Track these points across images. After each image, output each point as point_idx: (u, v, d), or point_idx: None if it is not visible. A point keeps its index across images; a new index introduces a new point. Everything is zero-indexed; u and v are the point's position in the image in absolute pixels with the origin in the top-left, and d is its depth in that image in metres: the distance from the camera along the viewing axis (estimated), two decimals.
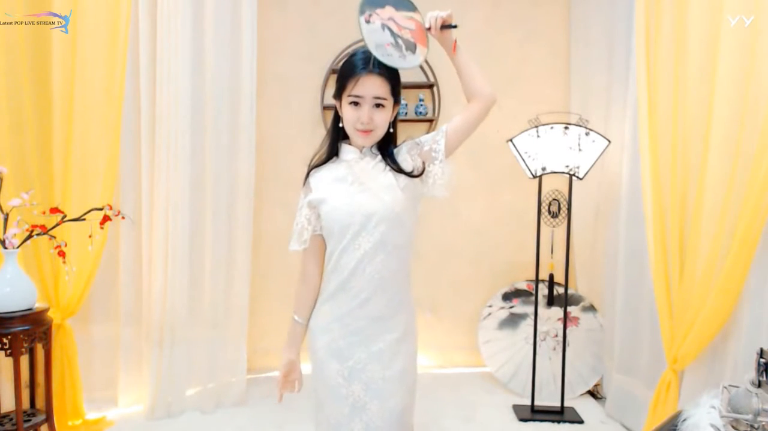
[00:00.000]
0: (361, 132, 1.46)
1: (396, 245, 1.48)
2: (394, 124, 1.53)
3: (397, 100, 1.51)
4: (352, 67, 1.45)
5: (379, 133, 1.48)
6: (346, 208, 1.47)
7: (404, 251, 1.51)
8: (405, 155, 1.54)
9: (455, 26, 1.46)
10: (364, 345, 1.49)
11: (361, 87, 1.43)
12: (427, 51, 1.47)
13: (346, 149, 1.55)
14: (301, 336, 1.62)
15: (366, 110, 1.44)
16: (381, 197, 1.47)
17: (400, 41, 1.44)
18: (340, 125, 1.51)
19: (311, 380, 1.58)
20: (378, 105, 1.45)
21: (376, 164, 1.52)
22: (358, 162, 1.52)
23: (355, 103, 1.45)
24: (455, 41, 1.50)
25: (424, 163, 1.53)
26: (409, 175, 1.50)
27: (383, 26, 1.43)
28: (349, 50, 3.47)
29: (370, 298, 1.49)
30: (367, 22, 1.40)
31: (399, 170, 1.50)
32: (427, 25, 1.47)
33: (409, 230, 1.51)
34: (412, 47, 1.46)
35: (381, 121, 1.46)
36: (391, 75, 1.45)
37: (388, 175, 1.50)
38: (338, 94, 1.49)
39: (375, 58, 1.41)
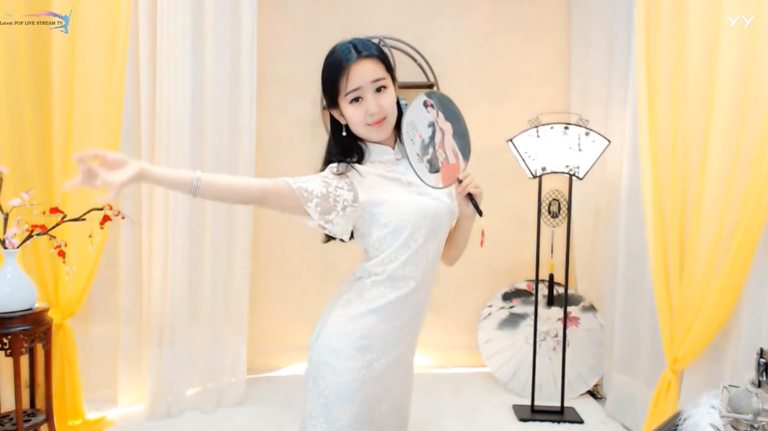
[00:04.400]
0: (375, 125, 1.33)
1: (442, 252, 1.44)
2: (398, 105, 1.40)
3: (394, 78, 1.38)
4: (336, 64, 1.32)
5: (391, 118, 1.36)
6: (414, 209, 1.32)
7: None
8: None
9: (480, 213, 1.37)
10: (399, 360, 1.40)
11: (355, 78, 1.29)
12: (439, 189, 1.33)
13: (377, 150, 1.40)
14: (176, 183, 1.21)
15: (371, 100, 1.31)
16: (443, 199, 1.38)
17: (431, 150, 1.31)
18: (344, 133, 1.38)
19: (320, 390, 1.35)
20: (379, 89, 1.32)
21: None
22: (396, 163, 1.40)
23: (356, 99, 1.31)
24: (483, 233, 1.47)
25: None
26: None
27: (433, 125, 1.32)
28: None
29: (422, 310, 1.41)
30: (425, 106, 1.31)
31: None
32: (460, 177, 1.35)
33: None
34: (435, 167, 1.32)
35: (389, 104, 1.34)
36: (380, 53, 1.34)
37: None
38: (333, 102, 1.36)
39: (358, 44, 1.32)
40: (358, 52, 1.31)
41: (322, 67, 1.37)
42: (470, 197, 1.34)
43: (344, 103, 1.33)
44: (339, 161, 1.37)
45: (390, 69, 1.36)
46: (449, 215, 1.41)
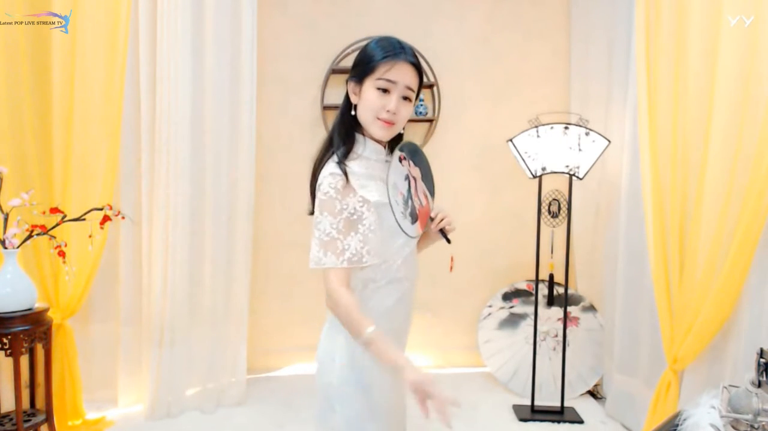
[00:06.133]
0: (385, 122, 1.30)
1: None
2: None
3: (416, 98, 1.39)
4: (390, 48, 1.30)
5: (398, 129, 1.35)
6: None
7: None
8: None
9: (449, 241, 1.45)
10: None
11: (398, 72, 1.28)
12: (418, 236, 1.38)
13: (373, 147, 1.37)
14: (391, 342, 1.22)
15: (395, 99, 1.29)
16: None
17: (410, 202, 1.37)
18: (353, 112, 1.35)
19: (348, 415, 1.34)
20: (406, 98, 1.32)
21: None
22: (385, 165, 1.38)
23: (384, 90, 1.29)
24: (452, 259, 1.60)
25: None
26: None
27: (407, 177, 1.39)
28: (349, 49, 3.47)
29: (412, 308, 1.44)
30: (400, 161, 1.37)
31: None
32: (432, 216, 1.42)
33: None
34: (414, 218, 1.38)
35: (404, 116, 1.33)
36: (421, 70, 1.35)
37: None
38: (361, 77, 1.32)
39: (409, 50, 1.32)
40: (407, 55, 1.32)
41: (370, 42, 1.35)
42: (441, 231, 1.42)
43: (370, 84, 1.30)
44: (337, 164, 1.31)
45: (419, 90, 1.37)
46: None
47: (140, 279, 2.86)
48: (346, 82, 1.39)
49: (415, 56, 1.34)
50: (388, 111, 1.29)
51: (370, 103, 1.30)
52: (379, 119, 1.30)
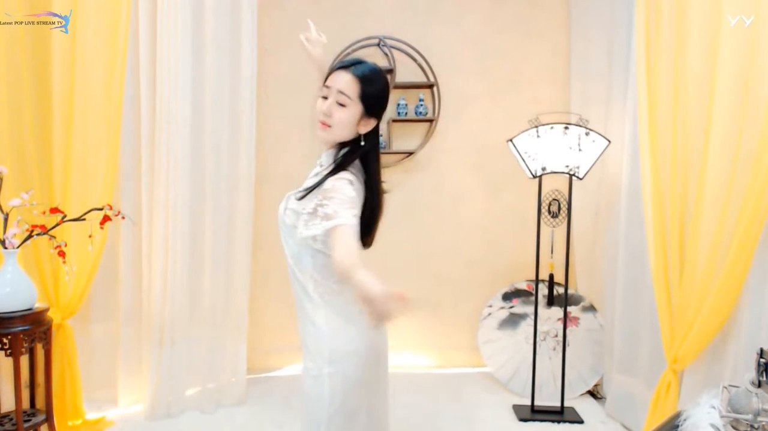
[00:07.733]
0: (320, 123, 1.43)
1: (299, 269, 1.46)
2: (368, 137, 1.46)
3: (369, 112, 1.43)
4: (336, 64, 1.48)
5: (336, 132, 1.42)
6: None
7: (308, 276, 1.45)
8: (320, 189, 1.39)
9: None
10: None
11: (332, 79, 1.43)
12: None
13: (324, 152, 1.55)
14: None
15: (329, 102, 1.42)
16: (284, 211, 1.49)
17: None
18: None
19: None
20: (340, 103, 1.41)
21: (316, 173, 1.51)
22: (315, 167, 1.55)
23: (325, 97, 1.44)
24: None
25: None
26: (303, 197, 1.42)
27: None
28: (350, 50, 3.47)
29: (298, 298, 1.54)
30: None
31: (313, 186, 1.42)
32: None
33: (307, 261, 1.44)
34: None
35: (338, 119, 1.41)
36: (366, 82, 1.41)
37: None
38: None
39: (357, 62, 1.44)
40: (350, 66, 1.43)
41: None
42: None
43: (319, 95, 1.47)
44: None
45: (366, 101, 1.42)
46: (284, 228, 1.49)
47: (140, 279, 2.86)
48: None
49: (361, 70, 1.42)
50: (320, 112, 1.43)
51: (316, 107, 1.45)
52: (317, 120, 1.44)
